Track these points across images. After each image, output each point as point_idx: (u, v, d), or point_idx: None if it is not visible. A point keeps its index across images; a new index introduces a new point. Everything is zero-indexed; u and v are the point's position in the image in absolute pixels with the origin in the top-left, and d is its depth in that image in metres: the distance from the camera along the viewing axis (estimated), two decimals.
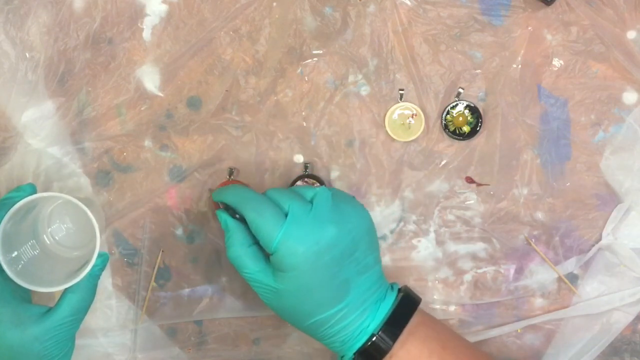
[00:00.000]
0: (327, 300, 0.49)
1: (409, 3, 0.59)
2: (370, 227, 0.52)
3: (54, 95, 0.60)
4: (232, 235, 0.51)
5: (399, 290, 0.53)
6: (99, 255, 0.52)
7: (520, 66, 0.59)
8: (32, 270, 0.53)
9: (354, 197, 0.55)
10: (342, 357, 0.51)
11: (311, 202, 0.50)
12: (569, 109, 0.60)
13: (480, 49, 0.59)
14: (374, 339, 0.49)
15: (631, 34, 0.58)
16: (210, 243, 0.62)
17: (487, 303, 0.62)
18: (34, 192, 0.53)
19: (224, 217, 0.52)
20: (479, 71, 0.60)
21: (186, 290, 0.62)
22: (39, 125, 0.60)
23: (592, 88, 0.59)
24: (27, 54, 0.59)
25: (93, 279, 0.53)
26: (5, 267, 0.50)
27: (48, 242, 0.58)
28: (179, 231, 0.62)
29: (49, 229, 0.58)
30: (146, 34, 0.60)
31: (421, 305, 0.63)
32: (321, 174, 0.61)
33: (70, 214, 0.59)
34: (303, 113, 0.60)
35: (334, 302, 0.49)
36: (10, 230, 0.51)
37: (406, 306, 0.51)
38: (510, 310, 0.62)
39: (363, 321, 0.50)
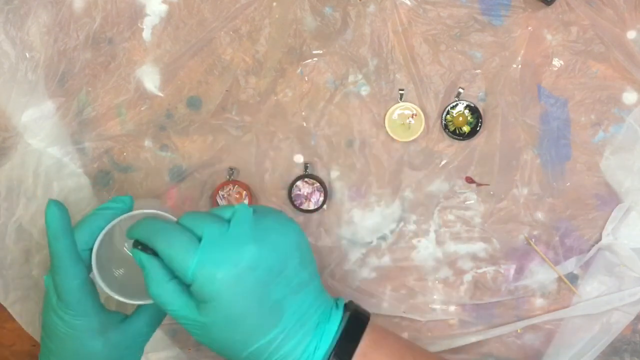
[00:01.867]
0: (259, 327, 0.44)
1: (409, 3, 0.59)
2: (300, 242, 0.47)
3: (54, 95, 0.60)
4: (148, 273, 0.45)
5: (345, 306, 0.48)
6: None
7: (520, 66, 0.59)
8: (119, 280, 0.53)
9: (281, 211, 0.50)
10: None
11: (229, 221, 0.45)
12: (569, 109, 0.60)
13: (480, 49, 0.59)
14: None
15: (631, 34, 0.58)
16: None
17: (487, 303, 0.62)
18: (132, 204, 0.51)
19: (137, 254, 0.46)
20: (479, 71, 0.60)
21: None
22: (39, 125, 0.60)
23: (592, 88, 0.59)
24: (27, 54, 0.59)
25: None
26: (98, 277, 0.50)
27: (129, 256, 0.58)
28: None
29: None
30: (146, 34, 0.60)
31: (423, 305, 0.63)
32: (321, 174, 0.61)
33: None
34: (303, 113, 0.60)
35: (267, 329, 0.44)
36: (102, 241, 0.50)
37: (355, 325, 0.46)
38: (510, 310, 0.62)
39: (306, 347, 0.44)
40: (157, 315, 0.53)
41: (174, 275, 0.45)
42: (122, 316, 0.52)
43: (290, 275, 0.45)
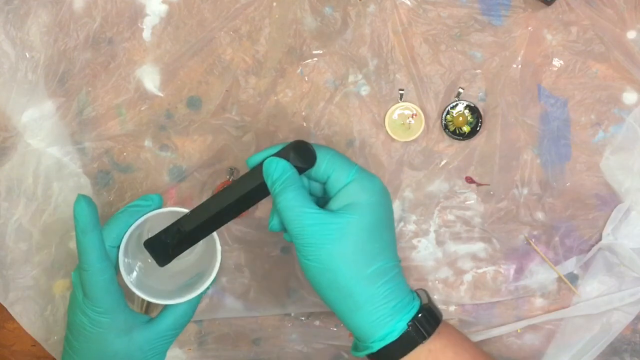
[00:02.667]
0: (392, 245, 0.48)
1: (409, 3, 0.59)
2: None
3: (54, 95, 0.60)
4: (289, 179, 0.47)
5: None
6: None
7: (520, 66, 0.59)
8: (144, 280, 0.53)
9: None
10: (384, 336, 0.46)
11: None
12: (569, 109, 0.60)
13: (480, 49, 0.59)
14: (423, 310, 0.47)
15: (631, 34, 0.58)
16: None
17: (487, 303, 0.62)
18: (161, 202, 0.52)
19: (280, 162, 0.47)
20: (479, 71, 0.60)
21: None
22: (39, 125, 0.60)
23: (592, 88, 0.59)
24: (27, 54, 0.59)
25: (199, 296, 0.53)
26: (124, 275, 0.50)
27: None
28: None
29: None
30: (146, 34, 0.60)
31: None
32: None
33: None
34: (303, 113, 0.60)
35: (394, 253, 0.48)
36: (129, 239, 0.51)
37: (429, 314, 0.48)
38: (510, 310, 0.62)
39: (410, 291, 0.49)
40: (182, 318, 0.53)
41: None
42: (147, 318, 0.53)
43: (391, 228, 0.49)
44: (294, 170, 0.47)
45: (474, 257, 0.62)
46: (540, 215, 0.61)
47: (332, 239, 0.46)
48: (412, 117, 0.60)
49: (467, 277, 0.62)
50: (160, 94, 0.60)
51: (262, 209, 0.62)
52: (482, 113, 0.59)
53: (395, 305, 0.46)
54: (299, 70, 0.60)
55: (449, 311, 0.62)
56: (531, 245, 0.61)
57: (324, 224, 0.46)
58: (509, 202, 0.61)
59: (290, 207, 0.46)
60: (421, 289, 0.51)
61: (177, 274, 0.57)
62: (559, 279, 0.62)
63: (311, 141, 0.60)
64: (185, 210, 0.50)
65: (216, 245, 0.52)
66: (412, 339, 0.46)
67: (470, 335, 0.62)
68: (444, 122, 0.60)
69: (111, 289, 0.49)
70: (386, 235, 0.48)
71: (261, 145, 0.61)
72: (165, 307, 0.53)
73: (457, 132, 0.60)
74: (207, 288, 0.52)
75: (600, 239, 0.61)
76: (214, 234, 0.51)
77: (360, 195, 0.47)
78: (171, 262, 0.53)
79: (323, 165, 0.48)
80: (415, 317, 0.46)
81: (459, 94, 0.60)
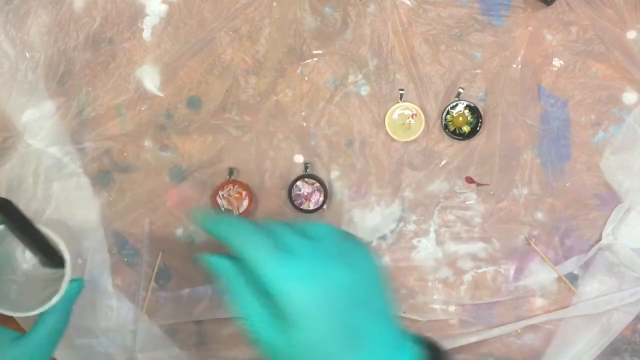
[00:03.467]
0: (338, 352, 0.40)
1: (409, 3, 0.59)
2: (381, 271, 0.44)
3: (54, 95, 0.60)
4: (232, 283, 0.41)
5: (422, 342, 0.44)
6: (74, 280, 0.53)
7: (520, 66, 0.59)
8: (11, 295, 0.54)
9: (356, 237, 0.47)
10: None
11: (309, 237, 0.42)
12: (569, 109, 0.60)
13: (480, 49, 0.59)
14: None
15: (631, 34, 0.58)
16: (210, 243, 0.62)
17: (487, 303, 0.62)
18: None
19: (216, 262, 0.42)
20: (479, 71, 0.60)
21: (186, 290, 0.62)
22: (39, 125, 0.60)
23: (592, 88, 0.59)
24: (27, 54, 0.59)
25: (68, 303, 0.53)
26: None
27: (25, 266, 0.59)
28: (179, 231, 0.62)
29: (25, 253, 0.58)
30: (146, 34, 0.60)
31: (423, 305, 0.63)
32: (321, 174, 0.61)
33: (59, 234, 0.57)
34: (303, 113, 0.60)
35: (345, 355, 0.40)
36: None
37: None
38: (510, 310, 0.62)
39: None
40: (57, 327, 0.53)
41: (254, 286, 0.41)
42: (17, 334, 0.52)
43: (371, 302, 0.42)
44: (232, 267, 0.41)
45: (474, 257, 0.62)
46: (540, 215, 0.61)
47: (270, 354, 0.40)
48: (412, 117, 0.60)
49: (467, 277, 0.62)
50: (160, 94, 0.60)
51: (262, 209, 0.62)
52: (482, 113, 0.59)
53: None
54: (299, 70, 0.60)
55: (449, 311, 0.62)
56: (531, 245, 0.61)
57: (265, 340, 0.40)
58: (509, 202, 0.61)
59: (242, 310, 0.41)
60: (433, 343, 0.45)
61: (48, 284, 0.57)
62: (559, 279, 0.62)
63: (311, 141, 0.60)
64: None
65: (60, 247, 0.53)
66: None
67: (470, 335, 0.62)
68: (444, 122, 0.60)
69: None
70: (330, 344, 0.39)
71: (261, 145, 0.61)
72: (38, 318, 0.53)
73: (457, 132, 0.60)
74: (69, 293, 0.53)
75: (600, 239, 0.61)
76: (56, 237, 0.52)
77: (289, 312, 0.39)
78: (37, 273, 0.56)
79: (249, 263, 0.40)
80: None
81: (459, 94, 0.60)
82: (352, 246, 0.44)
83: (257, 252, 0.40)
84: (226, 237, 0.41)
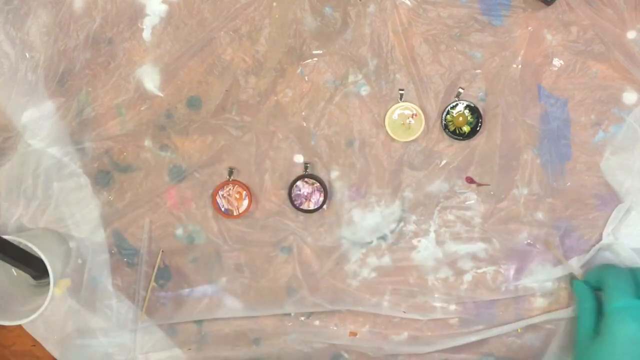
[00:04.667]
0: None
1: (409, 3, 0.59)
2: None
3: (54, 95, 0.60)
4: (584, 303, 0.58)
5: None
6: None
7: (520, 66, 0.59)
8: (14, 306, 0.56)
9: None
10: None
11: None
12: (569, 109, 0.60)
13: (480, 49, 0.59)
14: None
15: (631, 34, 0.58)
16: (210, 243, 0.62)
17: (487, 303, 0.62)
18: None
19: (581, 286, 0.59)
20: (479, 71, 0.60)
21: (186, 290, 0.63)
22: (39, 125, 0.60)
23: (592, 88, 0.59)
24: (27, 54, 0.59)
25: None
26: None
27: (15, 273, 0.59)
28: (179, 231, 0.62)
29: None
30: (146, 34, 0.59)
31: (423, 304, 0.63)
32: (321, 174, 0.61)
33: (38, 243, 0.57)
34: (303, 113, 0.60)
35: None
36: None
37: None
38: (511, 310, 0.62)
39: None
40: None
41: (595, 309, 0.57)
42: None
43: None
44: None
45: (474, 257, 0.62)
46: (540, 215, 0.61)
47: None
48: (412, 117, 0.60)
49: (467, 277, 0.62)
50: (160, 94, 0.60)
51: (262, 209, 0.62)
52: (482, 113, 0.59)
53: None
54: (299, 70, 0.60)
55: (449, 310, 0.62)
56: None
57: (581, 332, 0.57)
58: (509, 202, 0.61)
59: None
60: None
61: (44, 293, 0.57)
62: (559, 279, 0.62)
63: (311, 141, 0.60)
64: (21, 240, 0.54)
65: (44, 262, 0.54)
66: None
67: (470, 334, 0.62)
68: (444, 122, 0.60)
69: None
70: None
71: (261, 145, 0.61)
72: None
73: (457, 132, 0.60)
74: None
75: (600, 239, 0.61)
76: (38, 252, 0.54)
77: (605, 331, 0.54)
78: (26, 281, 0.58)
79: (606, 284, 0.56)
80: None
81: (459, 94, 0.60)
82: None
83: (616, 279, 0.55)
84: (596, 278, 0.58)
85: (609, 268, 0.57)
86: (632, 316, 0.52)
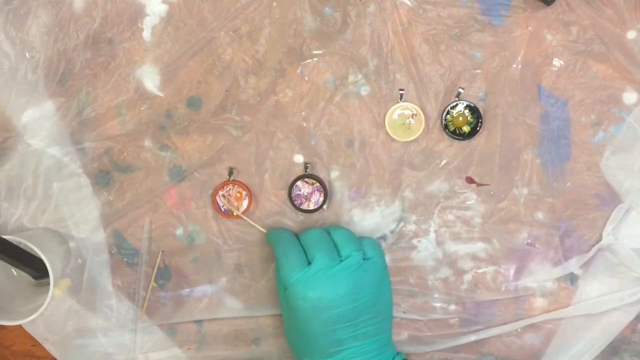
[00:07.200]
0: (318, 351, 0.53)
1: (409, 3, 0.59)
2: (382, 303, 0.55)
3: (54, 96, 0.60)
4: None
5: None
6: None
7: (520, 66, 0.59)
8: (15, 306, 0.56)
9: (385, 269, 0.58)
10: None
11: (343, 259, 0.54)
12: (569, 109, 0.60)
13: (480, 49, 0.59)
14: None
15: (631, 34, 0.58)
16: (210, 243, 0.62)
17: (487, 302, 0.62)
18: None
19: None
20: (479, 71, 0.60)
21: (186, 290, 0.63)
22: (39, 125, 0.60)
23: (592, 88, 0.59)
24: (27, 54, 0.59)
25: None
26: None
27: (15, 273, 0.59)
28: (179, 231, 0.62)
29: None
30: (146, 34, 0.59)
31: (423, 304, 0.63)
32: (321, 174, 0.61)
33: (38, 243, 0.57)
34: (303, 113, 0.60)
35: (324, 355, 0.53)
36: None
37: None
38: (511, 310, 0.62)
39: None
40: None
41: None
42: None
43: (360, 324, 0.53)
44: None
45: (474, 257, 0.62)
46: (540, 215, 0.61)
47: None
48: (412, 117, 0.60)
49: (467, 277, 0.62)
50: (160, 94, 0.60)
51: (262, 209, 0.62)
52: (482, 113, 0.59)
53: None
54: (299, 70, 0.60)
55: (449, 310, 0.62)
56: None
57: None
58: (509, 202, 0.61)
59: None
60: None
61: (44, 293, 0.57)
62: (559, 279, 0.62)
63: (311, 141, 0.60)
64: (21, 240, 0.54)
65: (45, 263, 0.54)
66: None
67: (470, 334, 0.62)
68: (444, 122, 0.60)
69: None
70: (309, 341, 0.53)
71: (261, 145, 0.61)
72: None
73: (457, 132, 0.60)
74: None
75: (600, 239, 0.61)
76: (38, 252, 0.54)
77: (288, 305, 0.54)
78: (36, 283, 0.58)
79: (276, 264, 0.56)
80: None
81: (459, 94, 0.60)
82: (369, 278, 0.54)
83: (284, 258, 0.55)
84: (271, 241, 0.58)
85: (280, 239, 0.57)
86: (304, 287, 0.53)
